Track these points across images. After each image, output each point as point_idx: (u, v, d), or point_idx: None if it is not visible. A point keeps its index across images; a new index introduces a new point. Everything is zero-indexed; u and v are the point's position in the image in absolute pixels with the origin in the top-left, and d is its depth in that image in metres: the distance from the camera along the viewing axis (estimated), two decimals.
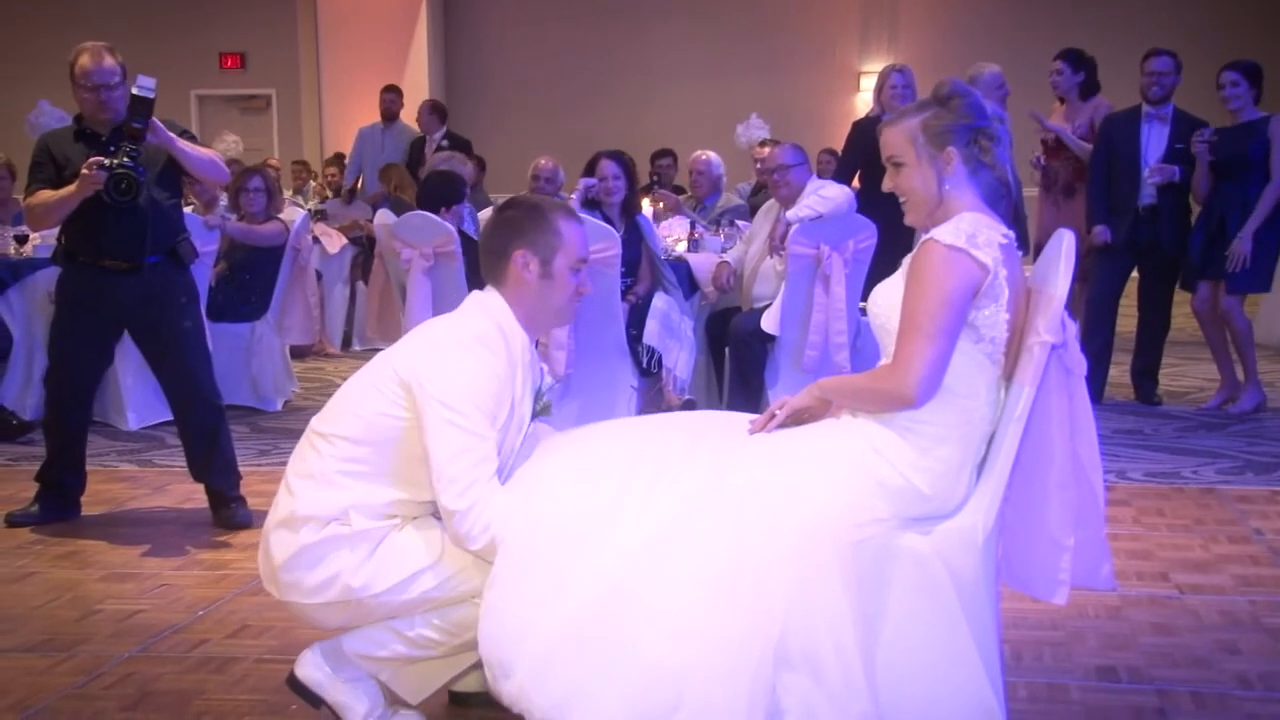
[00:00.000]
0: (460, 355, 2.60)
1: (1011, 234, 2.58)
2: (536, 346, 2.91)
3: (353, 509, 2.61)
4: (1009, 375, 2.57)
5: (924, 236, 2.55)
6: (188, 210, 6.33)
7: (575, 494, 2.50)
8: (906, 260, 2.59)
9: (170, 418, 4.98)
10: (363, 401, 2.65)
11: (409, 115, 10.43)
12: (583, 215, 5.44)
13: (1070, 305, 2.54)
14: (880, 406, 2.52)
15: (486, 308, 2.71)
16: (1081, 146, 6.69)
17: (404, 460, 2.63)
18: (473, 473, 2.52)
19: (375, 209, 7.49)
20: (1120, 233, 6.37)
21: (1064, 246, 2.54)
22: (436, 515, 2.66)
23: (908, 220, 2.68)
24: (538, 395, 2.85)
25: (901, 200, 2.66)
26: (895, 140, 2.61)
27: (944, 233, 2.50)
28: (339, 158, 10.89)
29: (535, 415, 2.84)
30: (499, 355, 2.63)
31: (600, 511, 2.46)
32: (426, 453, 2.56)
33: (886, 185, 2.67)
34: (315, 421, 2.73)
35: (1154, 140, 6.41)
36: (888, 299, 2.60)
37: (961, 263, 2.46)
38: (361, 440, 2.63)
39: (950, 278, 2.46)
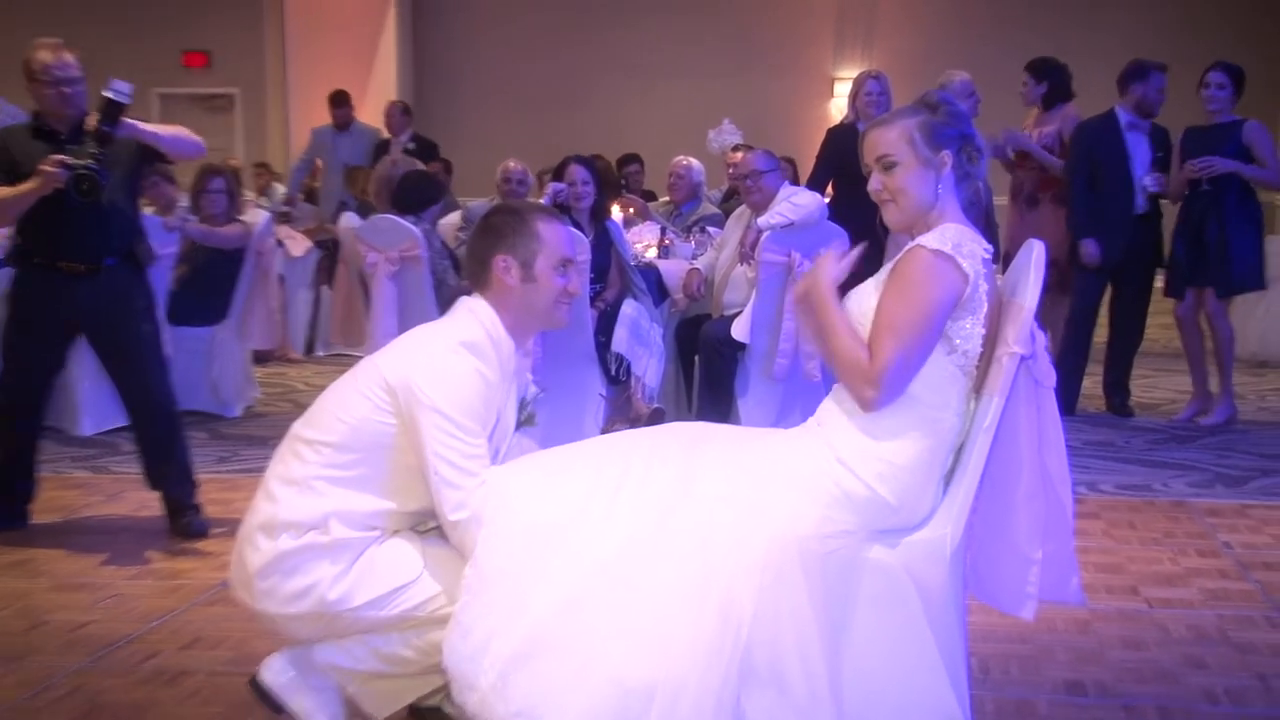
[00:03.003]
0: (452, 360, 2.60)
1: (991, 249, 2.59)
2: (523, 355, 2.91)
3: (334, 517, 2.60)
4: (978, 386, 2.58)
5: (910, 243, 2.56)
6: (147, 212, 6.30)
7: (538, 504, 2.50)
8: (885, 269, 2.60)
9: (126, 423, 4.94)
10: (348, 407, 2.65)
11: (376, 114, 10.39)
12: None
13: (1040, 315, 2.56)
14: (840, 369, 2.52)
15: (475, 314, 2.72)
16: (1050, 161, 6.71)
17: (389, 468, 2.63)
18: (471, 480, 2.53)
19: (338, 212, 7.47)
20: (1113, 245, 6.39)
21: (1034, 256, 2.55)
22: (437, 529, 2.66)
23: (888, 219, 2.67)
24: (522, 405, 2.85)
25: (884, 200, 2.65)
26: (889, 139, 2.62)
27: (930, 239, 2.51)
28: (264, 165, 10.92)
29: (519, 426, 2.84)
30: (489, 362, 2.64)
31: (564, 521, 2.46)
32: (421, 461, 2.56)
33: (872, 186, 2.66)
34: (298, 426, 2.72)
35: (1140, 150, 6.47)
36: (860, 306, 2.60)
37: (946, 271, 2.47)
38: (346, 446, 2.62)
39: (934, 285, 2.47)
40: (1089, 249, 6.42)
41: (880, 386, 2.46)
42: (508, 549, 2.45)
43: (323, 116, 10.36)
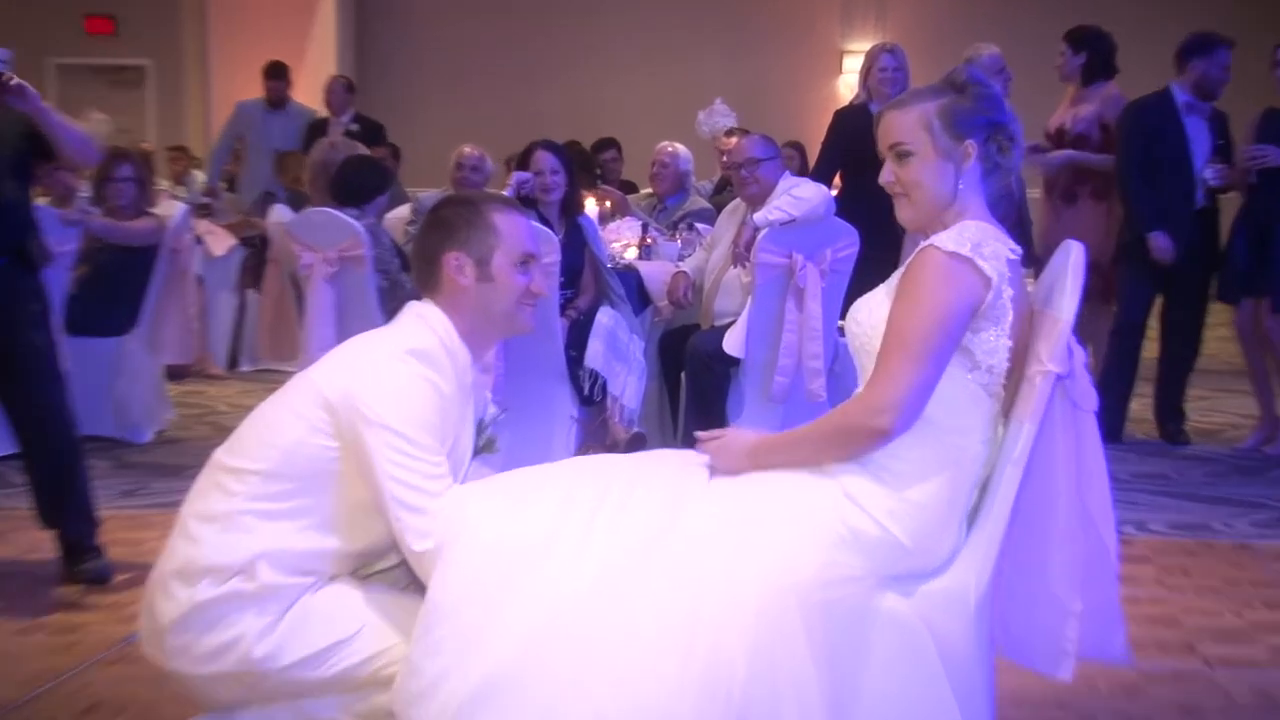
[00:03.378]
0: (400, 370, 2.61)
1: (1019, 250, 2.61)
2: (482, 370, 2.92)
3: (262, 559, 2.60)
4: (1007, 410, 2.59)
5: (923, 243, 2.57)
6: (41, 202, 6.28)
7: (501, 528, 2.50)
8: (899, 273, 2.62)
9: (15, 451, 4.91)
10: (279, 429, 2.65)
11: (312, 93, 10.38)
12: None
13: (1078, 328, 2.57)
14: (846, 448, 2.53)
15: (425, 320, 2.74)
16: (1091, 160, 6.72)
17: (329, 501, 2.63)
18: (436, 503, 2.53)
19: (264, 204, 7.46)
20: (1174, 241, 6.41)
21: (1071, 260, 2.57)
22: (382, 573, 2.65)
23: (901, 216, 2.70)
24: (480, 427, 2.85)
25: (897, 194, 2.68)
26: (904, 125, 2.64)
27: (946, 239, 2.53)
28: (182, 149, 10.82)
29: (477, 452, 2.84)
30: (443, 372, 2.65)
31: (531, 548, 2.46)
32: (374, 489, 2.56)
33: (884, 178, 2.69)
34: (221, 453, 2.72)
35: (1199, 136, 6.50)
36: (871, 316, 2.62)
37: (963, 274, 2.49)
38: (277, 475, 2.62)
39: (948, 291, 2.49)
40: (1159, 243, 6.40)
41: (894, 411, 2.46)
42: (466, 577, 2.45)
43: (249, 92, 10.32)
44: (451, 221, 2.79)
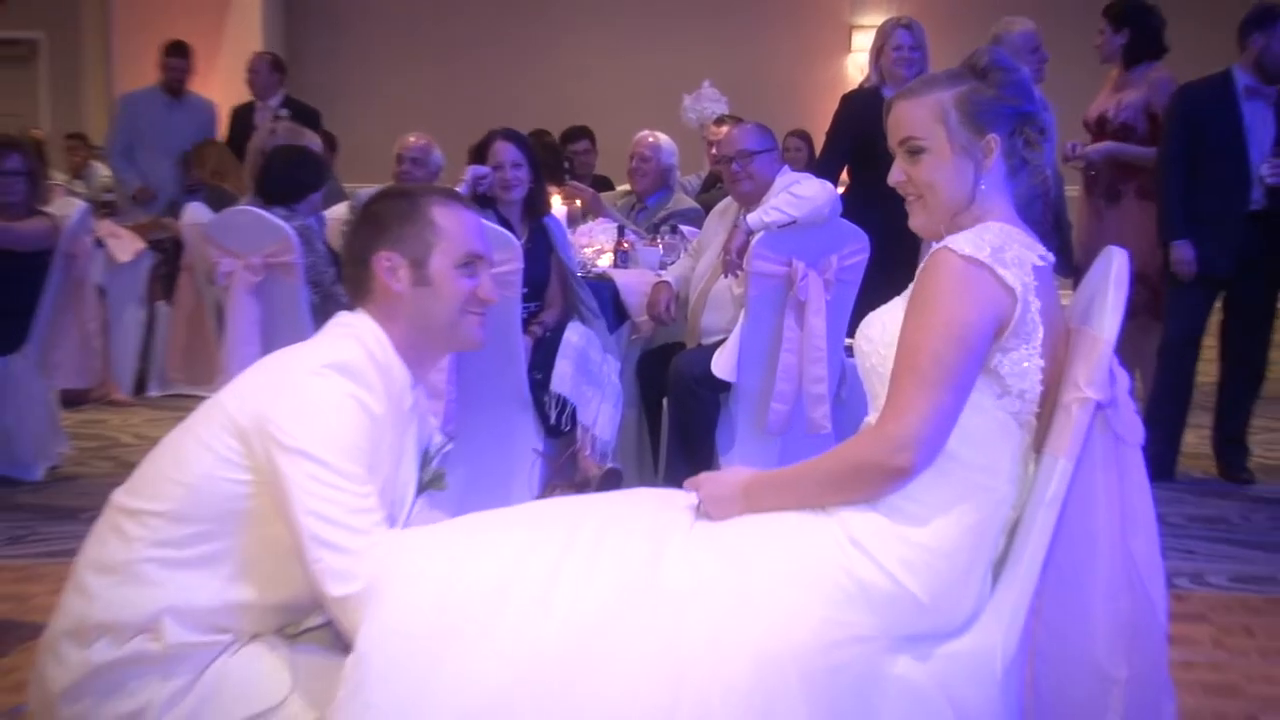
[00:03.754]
0: (319, 386, 2.60)
1: (1051, 257, 2.62)
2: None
3: (169, 616, 2.59)
4: (1039, 443, 2.60)
5: (936, 246, 2.58)
6: None
7: (448, 576, 2.48)
8: (915, 284, 2.63)
9: None
10: (186, 463, 2.64)
11: (232, 74, 10.35)
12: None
13: (1122, 349, 2.58)
14: (858, 489, 2.53)
15: (352, 331, 2.74)
16: (1139, 154, 6.74)
17: (243, 544, 2.63)
18: (360, 541, 2.51)
19: (183, 203, 7.43)
20: (1215, 250, 6.43)
21: (1113, 270, 2.58)
22: (310, 632, 2.64)
23: (913, 223, 2.72)
24: (425, 459, 2.85)
25: (911, 198, 2.70)
26: (916, 117, 2.66)
27: (961, 241, 2.54)
28: (80, 137, 10.68)
29: (422, 489, 2.84)
30: (373, 389, 2.64)
31: (483, 599, 2.44)
32: (290, 525, 2.54)
33: (894, 177, 2.71)
34: (119, 494, 2.71)
35: (1260, 123, 6.49)
36: (884, 333, 2.62)
37: (981, 283, 2.50)
38: (183, 517, 2.62)
39: (966, 302, 2.50)
40: (1181, 254, 6.43)
41: (914, 446, 2.47)
42: (403, 630, 2.43)
43: (157, 71, 10.26)
44: (383, 217, 2.80)
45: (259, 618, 2.68)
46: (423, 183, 7.01)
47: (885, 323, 2.65)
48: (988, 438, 2.55)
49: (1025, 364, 2.54)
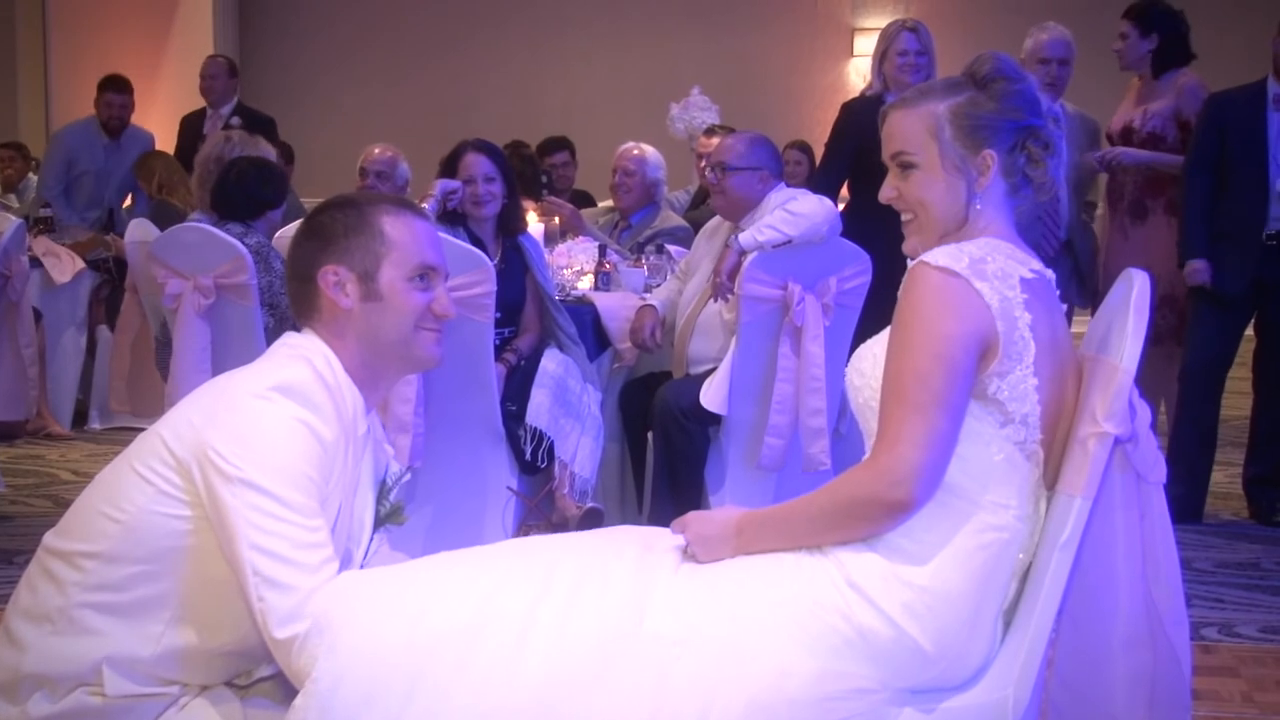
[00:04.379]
0: (262, 410, 2.59)
1: (1047, 272, 2.64)
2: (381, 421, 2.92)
3: (109, 666, 2.59)
4: (1052, 480, 2.61)
5: (912, 262, 2.61)
6: None
7: (410, 619, 2.47)
8: None
9: None
10: (121, 499, 2.63)
11: (183, 79, 10.35)
12: (443, 235, 5.47)
13: (1140, 379, 2.59)
14: (857, 526, 2.53)
15: (299, 352, 2.72)
16: (1169, 162, 6.78)
17: (188, 585, 2.62)
18: (307, 579, 2.50)
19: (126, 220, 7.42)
20: (1234, 270, 6.45)
21: (1134, 294, 2.59)
22: (262, 681, 2.64)
23: (907, 246, 2.74)
24: (382, 490, 2.84)
25: (905, 218, 2.72)
26: (908, 130, 2.68)
27: (938, 254, 2.56)
28: (17, 147, 10.58)
29: (380, 522, 2.83)
30: (322, 413, 2.63)
31: (450, 647, 2.43)
32: (232, 561, 2.53)
33: (885, 194, 2.73)
34: (50, 536, 2.71)
35: None
36: (875, 367, 2.64)
37: (959, 296, 2.52)
38: (121, 557, 2.61)
39: (943, 316, 2.52)
40: (1195, 270, 6.44)
41: (913, 479, 2.47)
42: (361, 674, 2.42)
43: (112, 70, 10.18)
44: (328, 229, 2.79)
45: (206, 665, 2.67)
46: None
47: (877, 355, 2.66)
48: (992, 471, 2.56)
49: (1023, 385, 2.55)
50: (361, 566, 2.76)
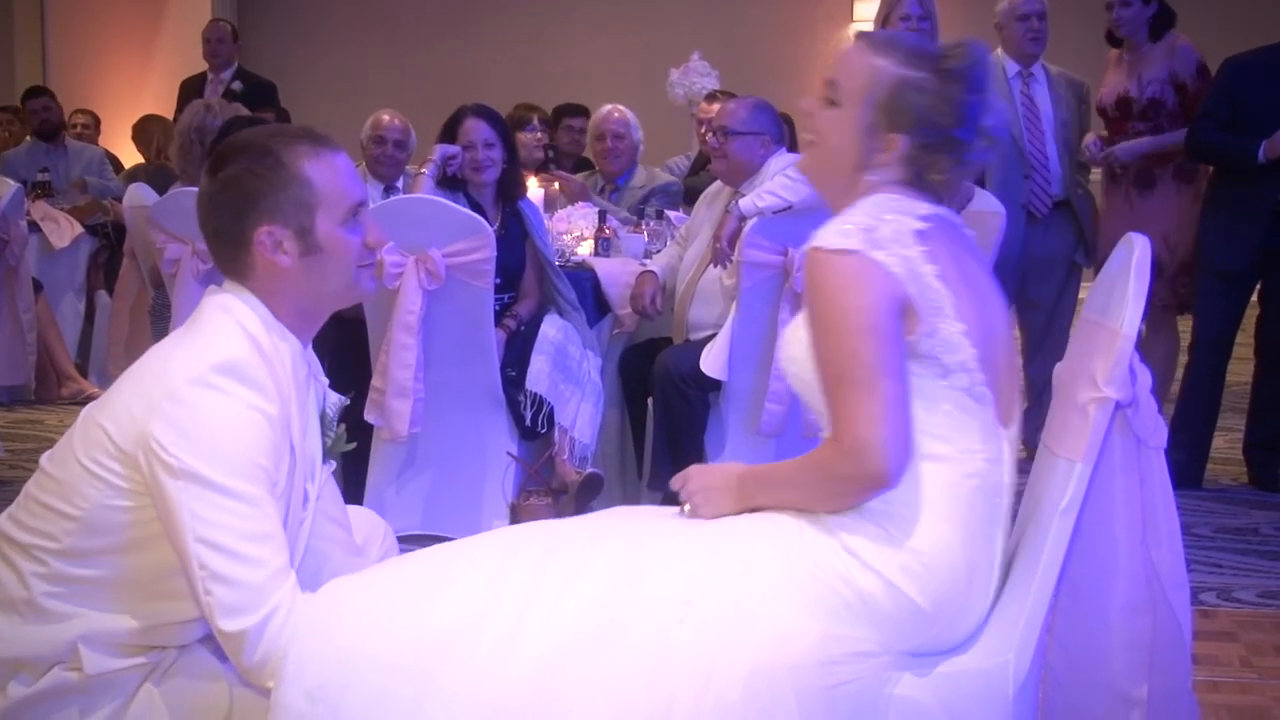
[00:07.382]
0: (207, 400, 2.52)
1: (940, 210, 2.66)
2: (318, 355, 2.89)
3: (83, 644, 2.58)
4: (1004, 417, 2.61)
5: (802, 249, 2.61)
6: None
7: (394, 618, 2.47)
8: None
9: None
10: (74, 494, 2.60)
11: (183, 43, 10.31)
12: (442, 201, 5.47)
13: (1141, 345, 2.59)
14: (837, 496, 2.54)
15: (232, 316, 2.65)
16: (1175, 142, 6.74)
17: (153, 561, 2.59)
18: (255, 573, 2.47)
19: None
20: (1241, 242, 6.43)
21: (1134, 259, 2.59)
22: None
23: (801, 163, 2.83)
24: (323, 422, 2.82)
25: (807, 138, 2.75)
26: (852, 69, 2.69)
27: (828, 236, 2.56)
28: (14, 110, 10.53)
29: (329, 453, 2.83)
30: (263, 388, 2.57)
31: (437, 646, 2.43)
32: (180, 553, 2.49)
33: (804, 105, 2.75)
34: (8, 523, 2.68)
35: None
36: (804, 350, 2.63)
37: (860, 270, 2.52)
38: (83, 551, 2.59)
39: (853, 291, 2.51)
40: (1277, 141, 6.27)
41: (880, 450, 2.47)
42: (379, 684, 2.40)
43: (94, 28, 10.13)
44: (249, 185, 2.66)
45: (180, 632, 2.65)
46: (400, 166, 7.01)
47: (802, 338, 2.65)
48: (947, 423, 2.56)
49: (951, 335, 2.55)
50: (316, 499, 2.74)
